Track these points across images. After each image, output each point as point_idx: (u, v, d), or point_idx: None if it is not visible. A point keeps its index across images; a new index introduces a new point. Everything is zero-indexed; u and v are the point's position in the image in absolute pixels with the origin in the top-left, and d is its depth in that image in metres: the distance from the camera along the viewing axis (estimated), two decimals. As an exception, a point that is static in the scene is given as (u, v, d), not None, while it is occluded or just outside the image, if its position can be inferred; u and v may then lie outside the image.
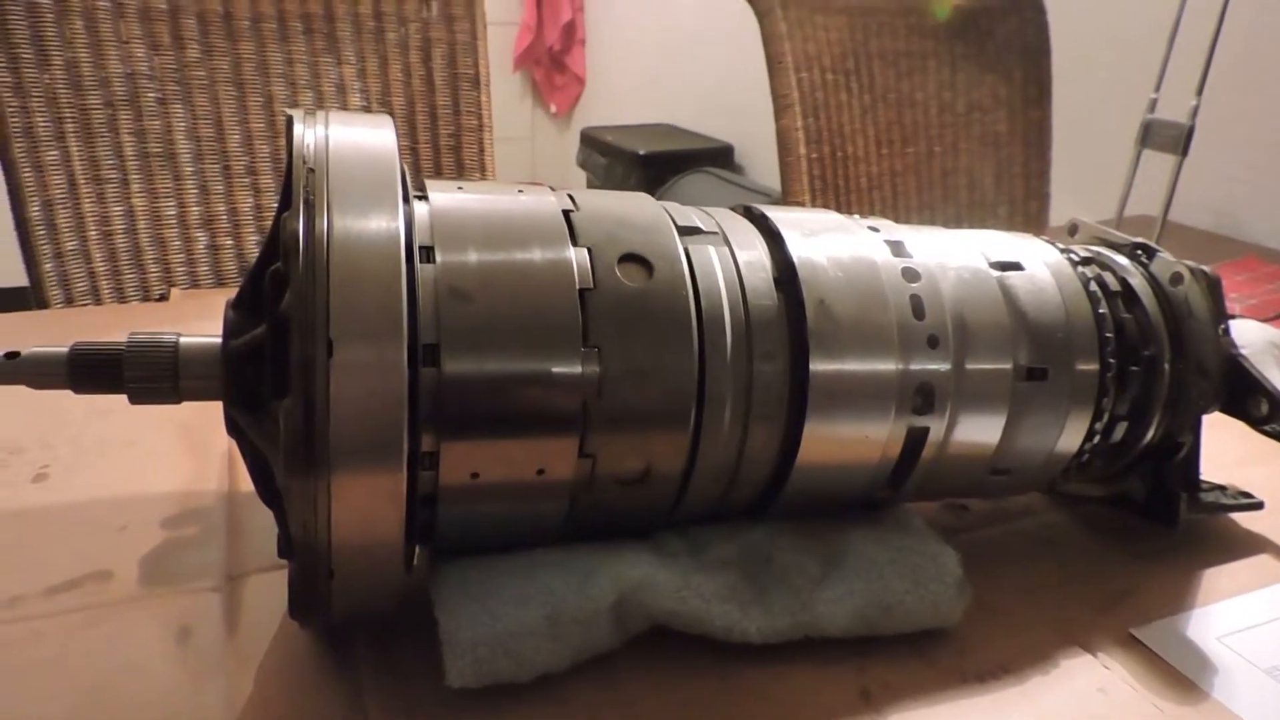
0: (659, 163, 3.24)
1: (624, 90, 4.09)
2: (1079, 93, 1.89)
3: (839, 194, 1.55)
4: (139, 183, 1.14)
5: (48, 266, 1.10)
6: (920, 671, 0.52)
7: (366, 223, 0.41)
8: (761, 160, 3.24)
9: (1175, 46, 1.55)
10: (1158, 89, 1.56)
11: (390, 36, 1.26)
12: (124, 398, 0.49)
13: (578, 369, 0.46)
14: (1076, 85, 1.86)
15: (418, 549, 0.51)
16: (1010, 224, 1.71)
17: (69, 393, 0.49)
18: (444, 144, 1.31)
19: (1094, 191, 1.86)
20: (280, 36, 1.20)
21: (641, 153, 3.26)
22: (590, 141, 3.58)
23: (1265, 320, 1.10)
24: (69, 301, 1.12)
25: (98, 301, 1.14)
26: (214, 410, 0.48)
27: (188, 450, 0.69)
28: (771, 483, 0.54)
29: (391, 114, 1.25)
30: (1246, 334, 0.98)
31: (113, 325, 0.47)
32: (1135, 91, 1.66)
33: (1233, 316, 0.63)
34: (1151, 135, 1.53)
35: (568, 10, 4.15)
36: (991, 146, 1.70)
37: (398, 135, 0.47)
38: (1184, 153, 1.48)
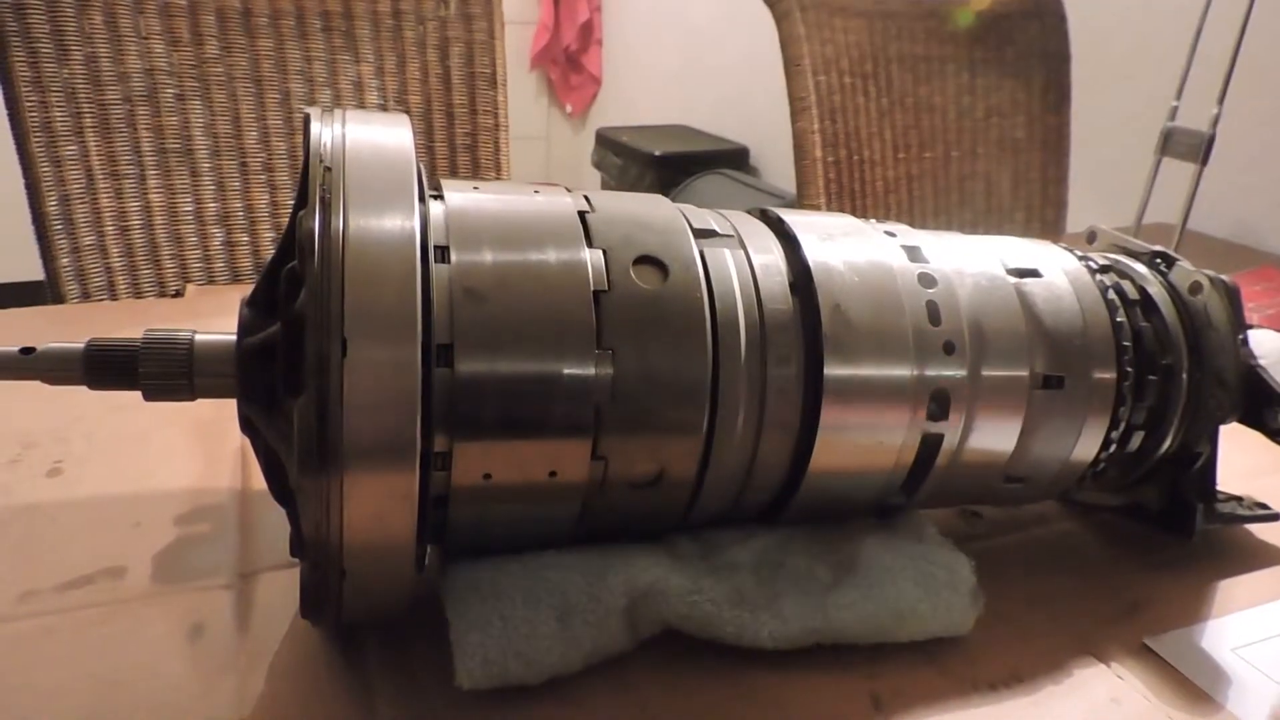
0: (674, 164, 3.23)
1: (640, 91, 4.09)
2: (1099, 99, 1.89)
3: (854, 198, 1.54)
4: (156, 178, 1.15)
5: (64, 261, 1.11)
6: (932, 679, 0.52)
7: (382, 222, 0.41)
8: (777, 163, 3.23)
9: (1198, 55, 1.54)
10: (1179, 97, 1.54)
11: (408, 35, 1.26)
12: (138, 394, 0.49)
13: (591, 371, 0.46)
14: (1097, 92, 1.85)
15: (429, 549, 0.51)
16: (1027, 230, 1.70)
17: (83, 388, 0.49)
18: (460, 143, 1.31)
19: (1112, 198, 1.85)
20: (298, 34, 1.20)
21: (656, 153, 3.26)
22: (605, 142, 3.58)
23: (1283, 330, 1.09)
24: (85, 296, 1.13)
25: (113, 297, 1.15)
26: (227, 407, 0.49)
27: (201, 447, 0.69)
28: (784, 487, 0.54)
29: (408, 112, 1.26)
30: (1264, 344, 0.97)
31: (128, 321, 0.47)
32: (1156, 99, 1.65)
33: (1250, 326, 0.62)
34: (1171, 143, 1.52)
35: (585, 10, 4.15)
36: (1009, 152, 1.70)
37: (414, 134, 0.47)
38: (1204, 161, 1.47)
